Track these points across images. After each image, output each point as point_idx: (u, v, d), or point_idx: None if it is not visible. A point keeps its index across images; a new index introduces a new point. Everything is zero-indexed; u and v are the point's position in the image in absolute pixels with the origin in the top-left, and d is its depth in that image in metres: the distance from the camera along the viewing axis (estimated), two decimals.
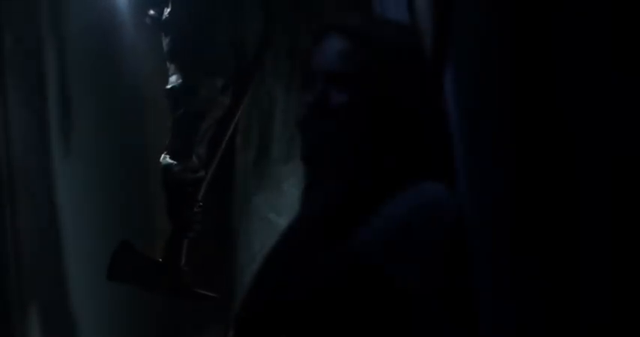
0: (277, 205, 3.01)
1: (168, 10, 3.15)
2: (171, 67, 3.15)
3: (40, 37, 3.72)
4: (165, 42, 3.16)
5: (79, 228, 3.59)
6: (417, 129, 1.76)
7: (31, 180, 3.70)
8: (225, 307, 2.97)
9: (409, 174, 1.74)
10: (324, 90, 1.76)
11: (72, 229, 3.62)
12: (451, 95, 1.67)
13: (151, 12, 3.24)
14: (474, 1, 1.56)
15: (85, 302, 3.55)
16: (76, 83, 3.69)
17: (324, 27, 1.82)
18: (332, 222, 1.72)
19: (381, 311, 1.67)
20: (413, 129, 1.76)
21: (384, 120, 1.75)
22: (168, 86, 3.14)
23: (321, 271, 1.69)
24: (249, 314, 1.75)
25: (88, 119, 3.63)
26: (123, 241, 3.10)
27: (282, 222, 2.96)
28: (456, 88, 1.65)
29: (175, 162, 3.08)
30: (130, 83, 3.62)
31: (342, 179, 1.75)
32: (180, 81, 3.12)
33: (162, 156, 3.12)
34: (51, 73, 3.72)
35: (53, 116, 3.70)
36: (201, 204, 3.08)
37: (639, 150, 1.33)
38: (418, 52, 1.78)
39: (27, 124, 3.71)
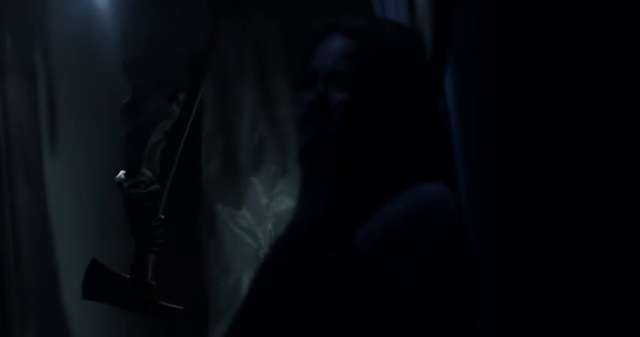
0: (245, 215, 2.98)
1: (123, 25, 3.13)
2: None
3: (31, 37, 3.72)
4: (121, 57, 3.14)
5: (73, 229, 3.58)
6: (417, 129, 1.77)
7: (28, 180, 3.70)
8: (200, 318, 2.96)
9: (409, 174, 1.74)
10: (325, 90, 1.77)
11: (67, 230, 3.61)
12: (451, 95, 1.68)
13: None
14: (474, 2, 1.57)
15: (80, 302, 3.54)
16: (71, 84, 3.69)
17: (325, 27, 1.82)
18: (332, 222, 1.72)
19: (381, 311, 1.68)
20: (413, 129, 1.77)
21: (384, 120, 1.76)
22: (123, 102, 3.12)
23: (320, 271, 1.70)
24: (249, 315, 1.75)
25: (81, 120, 3.61)
26: (92, 260, 3.11)
27: (251, 231, 2.95)
28: (456, 88, 1.65)
29: (125, 178, 3.06)
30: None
31: (342, 178, 1.75)
32: (129, 95, 3.09)
33: (119, 173, 3.10)
34: (41, 74, 3.71)
35: (44, 118, 3.70)
36: (161, 217, 3.04)
37: (639, 150, 1.34)
38: (418, 52, 1.79)
39: (25, 124, 3.71)
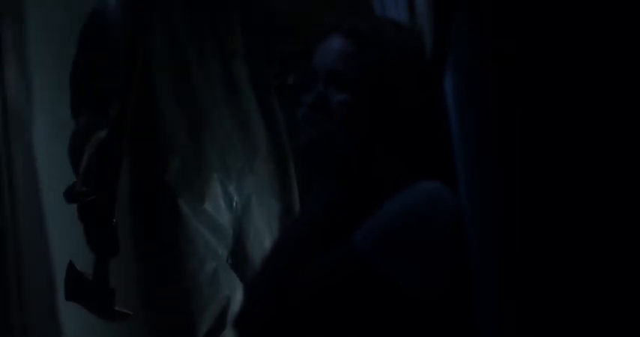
0: (208, 211, 2.96)
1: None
2: None
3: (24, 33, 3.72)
4: None
5: (72, 228, 3.58)
6: (417, 129, 1.77)
7: (26, 180, 3.71)
8: (186, 313, 2.96)
9: (409, 174, 1.74)
10: (324, 90, 1.77)
11: (65, 229, 3.61)
12: (451, 95, 1.68)
13: None
14: (475, 2, 1.57)
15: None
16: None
17: (325, 27, 1.83)
18: (332, 222, 1.73)
19: (381, 311, 1.68)
20: (413, 129, 1.77)
21: (384, 120, 1.76)
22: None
23: (320, 271, 1.70)
24: (250, 316, 1.75)
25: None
26: (69, 262, 3.12)
27: (213, 228, 2.94)
28: (456, 88, 1.65)
29: (69, 189, 3.06)
30: None
31: (342, 178, 1.75)
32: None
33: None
34: (35, 71, 3.71)
35: (39, 116, 3.70)
36: (113, 222, 3.02)
37: (639, 150, 1.34)
38: (418, 52, 1.79)
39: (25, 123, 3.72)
